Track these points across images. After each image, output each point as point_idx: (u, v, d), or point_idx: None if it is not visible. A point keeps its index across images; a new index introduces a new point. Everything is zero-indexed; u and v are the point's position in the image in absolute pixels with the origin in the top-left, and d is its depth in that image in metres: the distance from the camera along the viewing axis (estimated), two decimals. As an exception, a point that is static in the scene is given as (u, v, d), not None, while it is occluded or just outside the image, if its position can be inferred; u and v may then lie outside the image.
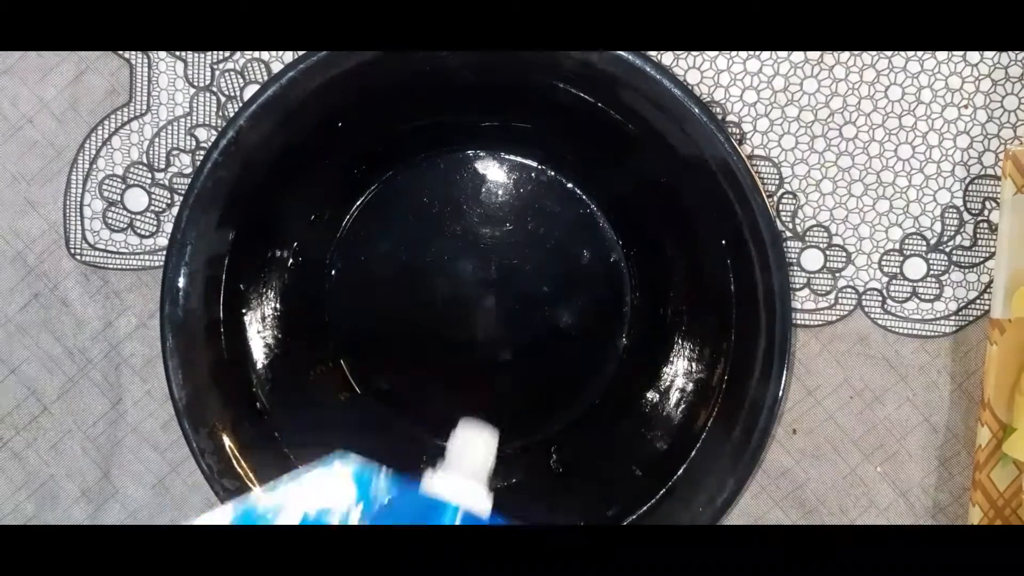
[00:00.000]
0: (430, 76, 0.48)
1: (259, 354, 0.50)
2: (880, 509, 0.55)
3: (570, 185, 0.54)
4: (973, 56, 0.53)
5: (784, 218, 0.54)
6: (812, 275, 0.54)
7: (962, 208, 0.54)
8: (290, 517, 0.37)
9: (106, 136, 0.54)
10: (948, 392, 0.55)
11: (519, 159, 0.54)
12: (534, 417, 0.55)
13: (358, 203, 0.53)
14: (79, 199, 0.54)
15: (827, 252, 0.54)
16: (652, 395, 0.52)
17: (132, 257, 0.54)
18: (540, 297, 0.54)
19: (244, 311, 0.50)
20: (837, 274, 0.54)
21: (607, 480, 0.52)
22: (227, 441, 0.48)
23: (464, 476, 0.40)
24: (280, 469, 0.49)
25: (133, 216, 0.54)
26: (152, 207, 0.54)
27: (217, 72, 0.54)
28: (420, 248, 0.54)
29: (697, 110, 0.45)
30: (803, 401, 0.55)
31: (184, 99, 0.54)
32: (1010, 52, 0.53)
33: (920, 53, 0.53)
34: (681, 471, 0.48)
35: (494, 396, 0.54)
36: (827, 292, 0.54)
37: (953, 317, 0.54)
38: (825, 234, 0.54)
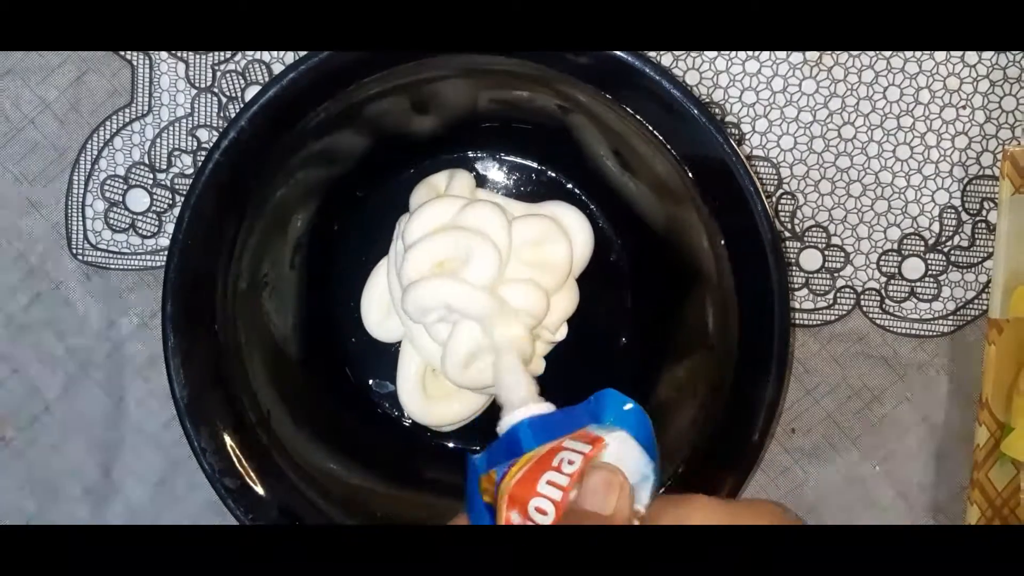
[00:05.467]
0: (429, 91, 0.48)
1: (261, 354, 0.50)
2: (880, 509, 0.55)
3: (570, 185, 0.54)
4: (971, 57, 0.53)
5: (783, 218, 0.54)
6: (811, 275, 0.54)
7: (960, 208, 0.54)
8: None
9: (108, 137, 0.54)
10: (946, 391, 0.55)
11: (519, 159, 0.54)
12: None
13: (359, 204, 0.54)
14: (81, 199, 0.54)
15: (826, 252, 0.54)
16: (652, 395, 0.52)
17: (134, 257, 0.55)
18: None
19: (245, 311, 0.50)
20: (836, 274, 0.54)
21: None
22: (228, 440, 0.48)
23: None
24: (281, 469, 0.49)
25: (135, 216, 0.54)
26: (154, 207, 0.54)
27: (218, 73, 0.54)
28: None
29: (696, 111, 0.45)
30: (802, 400, 0.55)
31: (185, 100, 0.54)
32: (1008, 53, 0.53)
33: (918, 54, 0.53)
34: (680, 471, 0.49)
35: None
36: (826, 292, 0.54)
37: (951, 317, 0.55)
38: (824, 234, 0.54)
